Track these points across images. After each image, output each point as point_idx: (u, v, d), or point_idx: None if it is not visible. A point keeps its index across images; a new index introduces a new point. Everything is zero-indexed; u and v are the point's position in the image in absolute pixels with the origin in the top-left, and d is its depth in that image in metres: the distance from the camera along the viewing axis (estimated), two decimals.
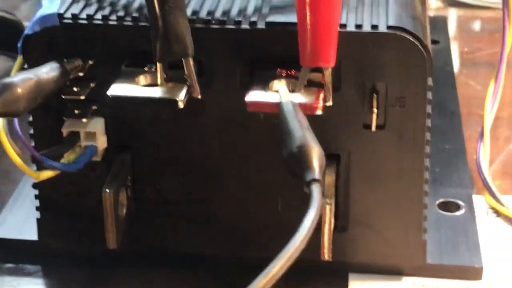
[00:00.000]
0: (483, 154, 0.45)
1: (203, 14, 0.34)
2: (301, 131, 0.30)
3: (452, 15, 0.65)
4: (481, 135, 0.46)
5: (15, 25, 0.54)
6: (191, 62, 0.33)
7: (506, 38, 0.46)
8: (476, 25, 0.64)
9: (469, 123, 0.50)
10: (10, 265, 0.39)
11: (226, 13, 0.34)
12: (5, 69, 0.56)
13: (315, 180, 0.28)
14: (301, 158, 0.29)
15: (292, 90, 0.33)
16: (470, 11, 0.66)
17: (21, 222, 0.40)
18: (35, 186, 0.42)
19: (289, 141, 0.30)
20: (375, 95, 0.34)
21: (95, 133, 0.35)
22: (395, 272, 0.38)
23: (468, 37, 0.62)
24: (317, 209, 0.27)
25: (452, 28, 0.63)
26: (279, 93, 0.32)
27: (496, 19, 0.63)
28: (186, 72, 0.33)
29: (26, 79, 0.31)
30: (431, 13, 0.65)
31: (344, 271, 0.38)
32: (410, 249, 0.37)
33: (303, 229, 0.26)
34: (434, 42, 0.58)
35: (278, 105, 0.32)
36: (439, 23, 0.61)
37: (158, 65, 0.33)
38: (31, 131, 0.36)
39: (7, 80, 0.31)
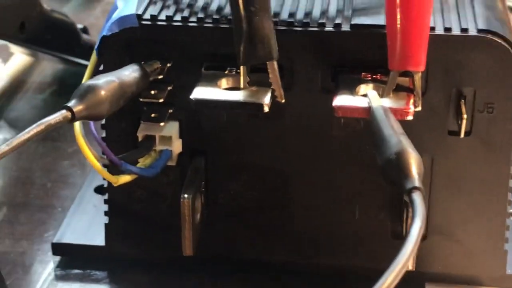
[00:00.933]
0: None
1: (284, 15, 0.34)
2: (396, 137, 0.29)
3: None
4: None
5: (67, 26, 0.53)
6: (276, 65, 0.32)
7: None
8: None
9: None
10: (77, 271, 0.38)
11: (308, 14, 0.34)
12: (54, 71, 0.55)
13: (416, 188, 0.27)
14: (399, 165, 0.28)
15: (379, 95, 0.32)
16: None
17: (86, 227, 0.39)
18: (98, 190, 0.42)
19: (384, 148, 0.29)
20: (463, 101, 0.33)
21: (171, 137, 0.34)
22: (474, 282, 0.37)
23: None
24: (423, 218, 0.26)
25: None
26: (368, 97, 0.31)
27: None
28: (270, 75, 0.32)
29: (109, 81, 0.31)
30: None
31: (422, 281, 0.37)
32: (491, 259, 0.36)
33: (411, 239, 0.25)
34: None
35: (368, 110, 0.31)
36: None
37: (242, 68, 0.32)
38: (103, 135, 0.36)
39: (91, 82, 0.30)
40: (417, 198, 0.27)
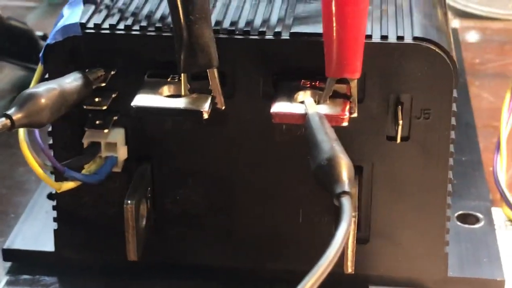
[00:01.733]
0: (500, 166, 0.45)
1: (226, 24, 0.34)
2: (329, 143, 0.29)
3: (462, 26, 0.65)
4: (498, 146, 0.45)
5: (26, 34, 0.54)
6: (216, 73, 0.32)
7: None
8: (486, 36, 0.64)
9: (483, 135, 0.50)
10: (26, 276, 0.38)
11: (249, 23, 0.34)
12: (13, 78, 0.56)
13: (345, 193, 0.28)
14: (330, 170, 0.29)
15: (317, 101, 0.33)
16: (480, 22, 0.66)
17: (36, 233, 0.40)
18: (51, 197, 0.42)
19: (317, 153, 0.29)
20: (400, 107, 0.34)
21: (116, 143, 0.35)
22: (416, 285, 0.37)
23: (478, 48, 0.62)
24: (349, 222, 0.26)
25: (462, 39, 0.63)
26: (305, 104, 0.32)
27: (505, 30, 0.63)
28: (210, 83, 0.33)
29: (50, 89, 0.31)
30: None
31: (365, 284, 0.37)
32: (432, 262, 0.36)
33: (336, 242, 0.25)
34: None
35: (304, 117, 0.31)
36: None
37: (182, 76, 0.33)
38: (50, 141, 0.36)
39: (31, 90, 0.31)
40: (346, 202, 0.27)
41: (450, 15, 0.67)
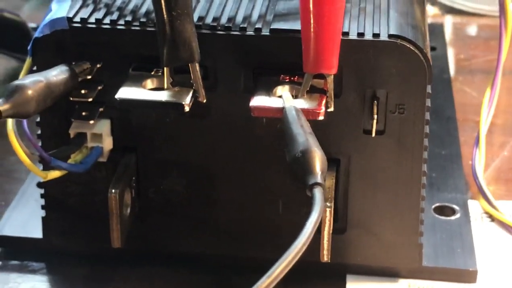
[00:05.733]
0: (479, 159, 0.46)
1: (209, 20, 0.35)
2: (304, 136, 0.31)
3: (449, 22, 0.66)
4: (477, 141, 0.47)
5: (19, 25, 0.55)
6: (197, 67, 0.34)
7: (503, 45, 0.47)
8: (472, 32, 0.65)
9: (464, 129, 0.51)
10: (15, 262, 0.40)
11: (231, 19, 0.35)
12: (7, 69, 0.57)
13: (317, 184, 0.29)
14: (304, 162, 0.30)
15: (295, 96, 0.34)
16: (466, 18, 0.67)
17: (26, 220, 0.41)
18: (40, 185, 0.43)
19: (292, 146, 0.30)
20: (375, 102, 0.35)
21: (101, 134, 0.36)
22: (392, 274, 0.39)
23: (464, 44, 0.63)
24: (320, 212, 0.28)
25: (448, 35, 0.64)
26: (282, 98, 0.33)
27: (491, 27, 0.64)
28: (192, 76, 0.34)
29: (36, 81, 0.32)
30: (428, 20, 0.67)
31: (342, 273, 0.39)
32: (407, 251, 0.38)
33: (305, 232, 0.27)
34: (431, 48, 0.59)
35: (282, 110, 0.33)
36: (436, 30, 0.62)
37: (165, 69, 0.34)
38: (39, 132, 0.37)
39: (18, 82, 0.32)
40: (318, 193, 0.29)
41: (437, 11, 0.68)
